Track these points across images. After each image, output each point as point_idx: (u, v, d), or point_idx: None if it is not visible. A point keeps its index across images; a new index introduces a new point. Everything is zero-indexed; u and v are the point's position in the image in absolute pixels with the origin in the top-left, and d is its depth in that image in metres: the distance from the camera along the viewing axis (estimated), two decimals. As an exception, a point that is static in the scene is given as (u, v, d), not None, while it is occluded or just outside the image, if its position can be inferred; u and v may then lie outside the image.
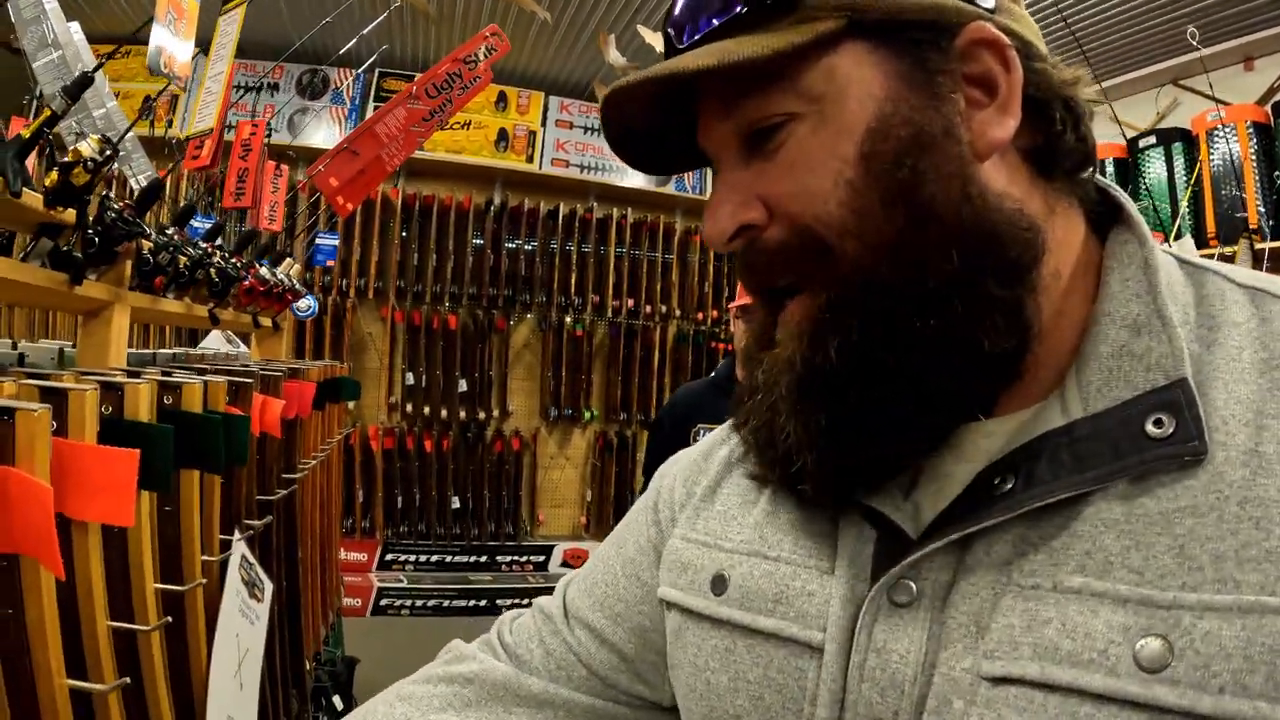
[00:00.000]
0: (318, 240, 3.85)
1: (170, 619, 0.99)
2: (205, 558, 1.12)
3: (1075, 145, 0.51)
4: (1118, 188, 0.53)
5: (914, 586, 0.45)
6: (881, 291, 0.46)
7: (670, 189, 5.77)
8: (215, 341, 2.96)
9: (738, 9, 0.48)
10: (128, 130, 1.39)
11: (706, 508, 0.62)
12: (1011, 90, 0.48)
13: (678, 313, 5.73)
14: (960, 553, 0.45)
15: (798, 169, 0.48)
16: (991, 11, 0.49)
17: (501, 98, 5.35)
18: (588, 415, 5.54)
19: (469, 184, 5.31)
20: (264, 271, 2.08)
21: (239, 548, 1.24)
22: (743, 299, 2.14)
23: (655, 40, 3.48)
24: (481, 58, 2.72)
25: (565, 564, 5.23)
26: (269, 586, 1.37)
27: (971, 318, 0.45)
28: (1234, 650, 0.36)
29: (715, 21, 0.49)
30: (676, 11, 0.53)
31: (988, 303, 0.45)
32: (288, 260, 2.60)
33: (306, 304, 3.55)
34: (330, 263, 4.28)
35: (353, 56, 4.93)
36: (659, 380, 5.63)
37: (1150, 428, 0.41)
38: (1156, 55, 3.99)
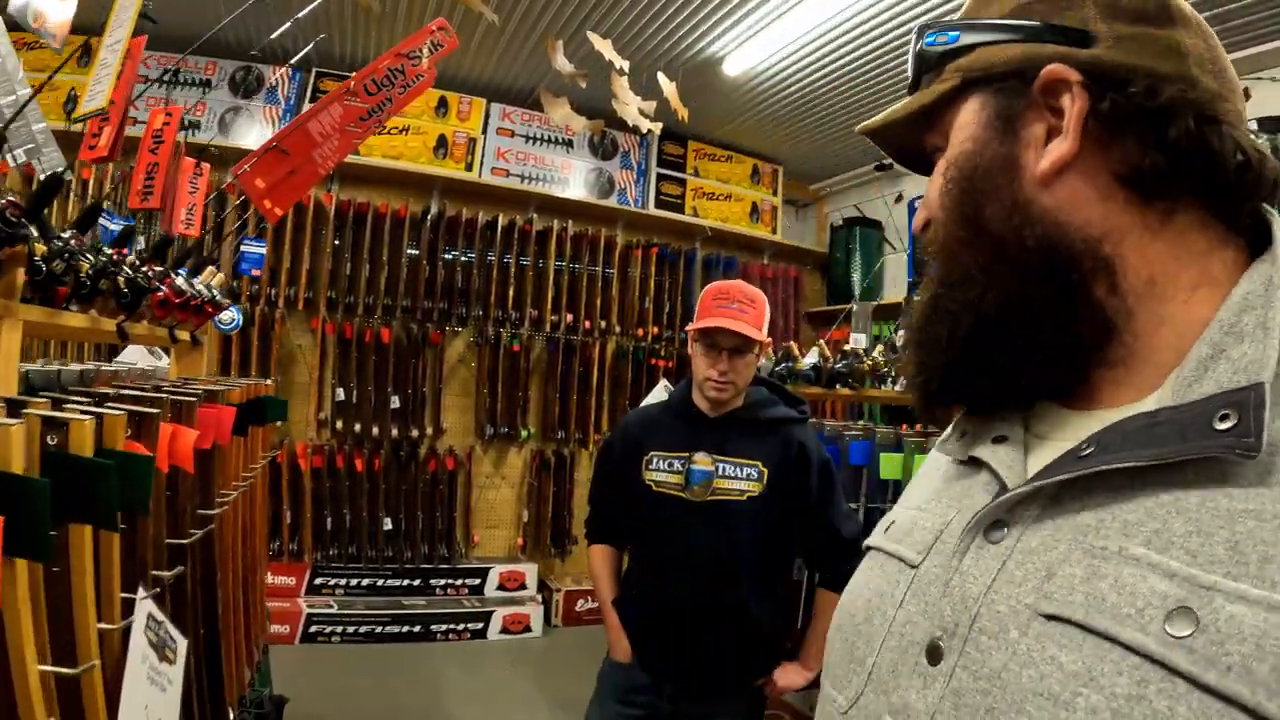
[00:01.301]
0: (243, 247, 3.66)
1: (61, 711, 0.81)
2: (103, 626, 0.93)
3: (1214, 170, 0.55)
4: (1272, 213, 0.57)
5: (1008, 530, 0.54)
6: (960, 279, 0.60)
7: (612, 201, 5.68)
8: (135, 355, 2.79)
9: (915, 75, 0.68)
10: (12, 120, 1.18)
11: (911, 484, 0.77)
12: (1070, 122, 0.56)
13: (617, 328, 5.62)
14: (1053, 508, 0.53)
15: (933, 184, 0.65)
16: (1088, 46, 0.57)
17: (442, 103, 5.18)
18: (524, 433, 5.37)
19: (405, 191, 5.09)
20: (180, 282, 1.85)
21: (144, 607, 1.05)
22: (702, 322, 2.07)
23: (604, 47, 3.46)
24: (426, 54, 2.57)
25: (501, 587, 5.02)
26: (183, 644, 1.19)
27: (1020, 306, 0.57)
28: (1249, 636, 0.40)
29: (914, 82, 0.69)
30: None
31: (1031, 297, 0.57)
32: (209, 269, 2.40)
33: (230, 317, 3.35)
34: (256, 271, 4.03)
35: (289, 51, 4.73)
36: (597, 398, 5.51)
37: (1217, 422, 0.46)
38: None
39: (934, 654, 0.54)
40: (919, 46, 0.66)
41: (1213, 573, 0.43)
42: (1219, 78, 0.58)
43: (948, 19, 0.65)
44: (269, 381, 2.86)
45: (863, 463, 2.88)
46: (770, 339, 2.25)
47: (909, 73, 0.69)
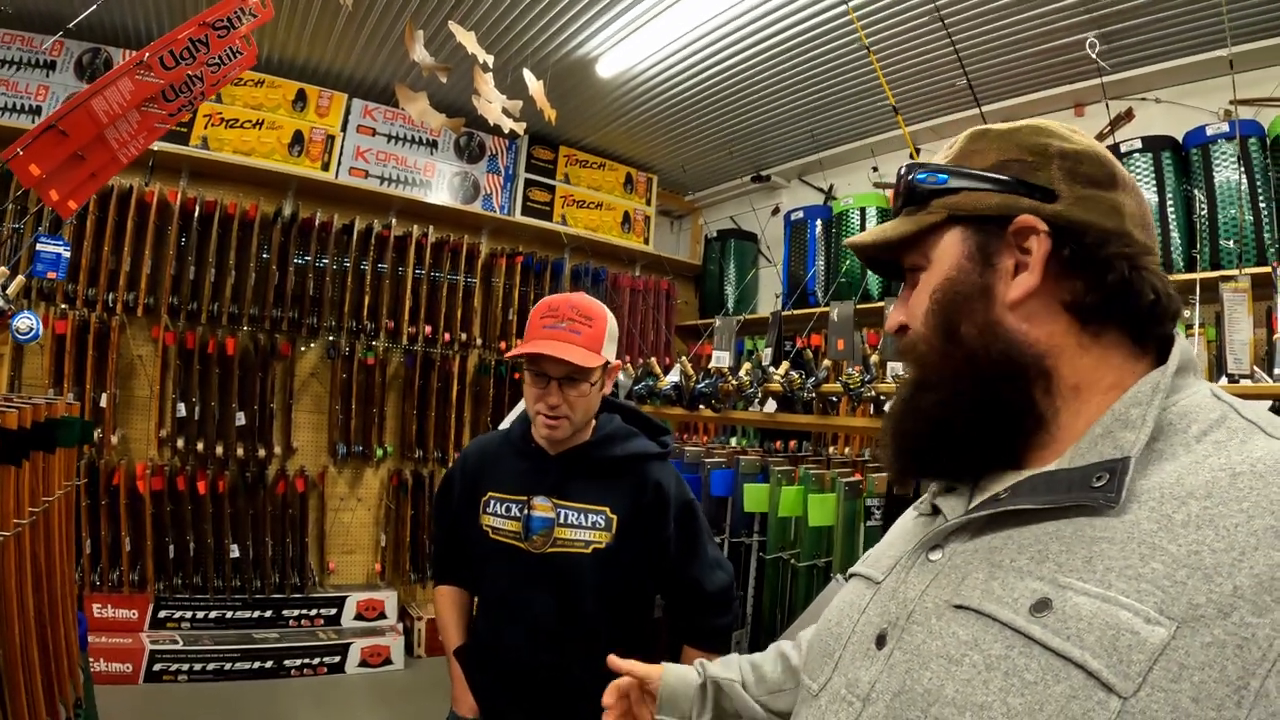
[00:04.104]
0: (39, 247, 3.73)
1: None
2: None
3: (1134, 305, 0.86)
4: (1184, 341, 0.88)
5: (942, 549, 0.87)
6: (936, 381, 0.91)
7: (477, 207, 6.27)
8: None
9: (903, 204, 0.98)
10: None
11: (890, 530, 1.12)
12: (1035, 261, 0.87)
13: (479, 341, 6.19)
14: (976, 535, 0.84)
15: (916, 298, 0.95)
16: (1052, 202, 0.88)
17: (300, 96, 5.61)
18: (380, 452, 5.84)
19: (258, 190, 5.47)
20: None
21: None
22: (525, 347, 2.03)
23: (467, 40, 3.83)
24: (237, 25, 2.58)
25: (359, 616, 5.47)
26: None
27: (985, 404, 0.87)
28: (1084, 616, 0.67)
29: (899, 207, 0.99)
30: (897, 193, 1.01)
31: (996, 397, 0.87)
32: (1, 270, 2.52)
33: (27, 325, 3.35)
34: (51, 274, 4.19)
35: (140, 35, 5.00)
36: (458, 414, 6.06)
37: (1095, 481, 0.75)
38: (990, 97, 4.99)
39: (881, 641, 0.84)
40: (910, 179, 0.96)
41: (1070, 576, 0.70)
42: (1146, 231, 0.89)
43: (934, 162, 0.97)
44: (71, 399, 2.87)
45: (725, 494, 2.91)
46: (619, 360, 2.24)
47: (894, 199, 1.01)
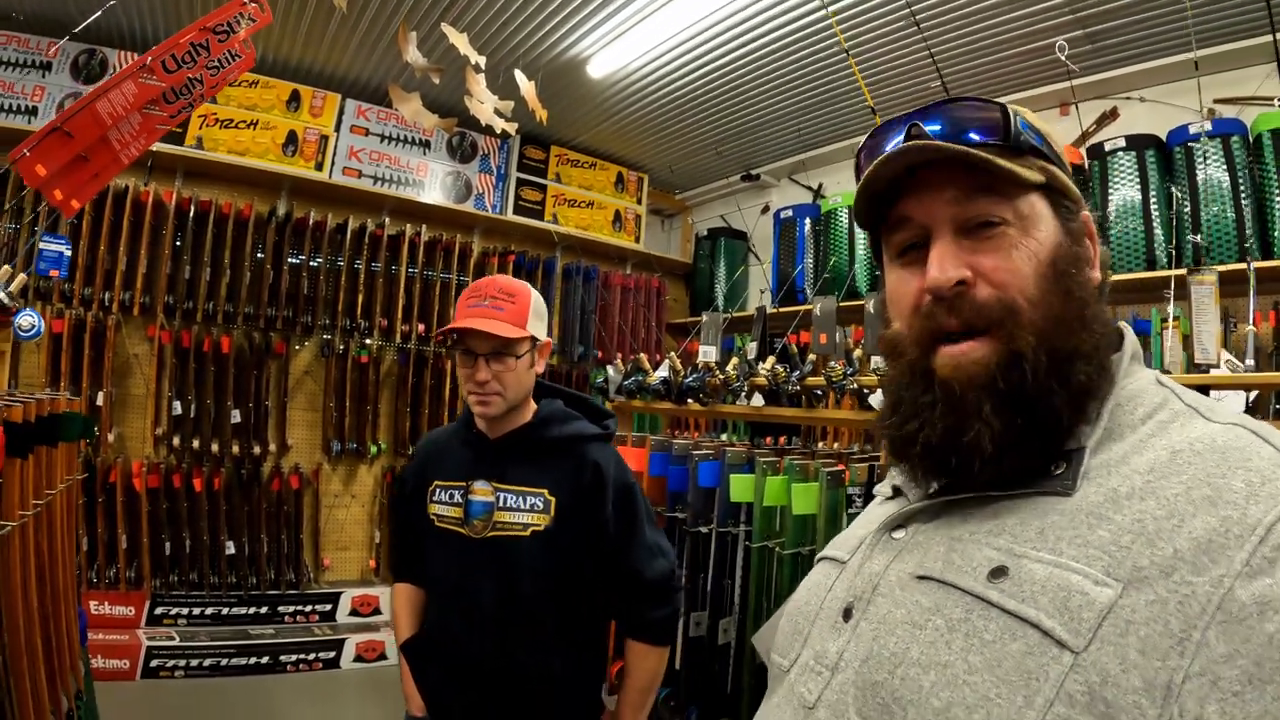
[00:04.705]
0: (42, 245, 3.74)
1: None
2: None
3: (1105, 292, 0.94)
4: (1130, 331, 0.95)
5: (904, 529, 0.91)
6: (1057, 346, 0.83)
7: (470, 206, 6.34)
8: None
9: (991, 140, 0.89)
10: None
11: (859, 515, 1.13)
12: (1097, 252, 0.94)
13: (472, 339, 6.20)
14: (937, 516, 0.88)
15: (1011, 256, 0.85)
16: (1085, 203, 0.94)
17: (294, 97, 5.68)
18: (374, 449, 5.90)
19: (252, 190, 5.52)
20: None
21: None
22: (450, 325, 2.06)
23: (460, 41, 3.91)
24: (237, 29, 2.65)
25: (354, 612, 5.54)
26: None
27: (1100, 368, 0.86)
28: (1038, 581, 0.72)
29: (972, 138, 0.89)
30: (934, 114, 0.92)
31: (1106, 363, 0.87)
32: (5, 268, 2.57)
33: (29, 322, 3.44)
34: (54, 272, 4.27)
35: (136, 37, 5.05)
36: (451, 411, 6.11)
37: (1054, 469, 0.81)
38: (989, 93, 5.03)
39: (847, 614, 0.88)
40: (1016, 122, 0.90)
41: (1025, 546, 0.76)
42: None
43: (1026, 118, 0.92)
44: (70, 395, 2.92)
45: (712, 484, 2.96)
46: (550, 339, 2.25)
47: (990, 129, 0.90)
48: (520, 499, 2.06)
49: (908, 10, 4.02)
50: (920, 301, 0.89)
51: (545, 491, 2.06)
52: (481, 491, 2.08)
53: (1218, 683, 0.61)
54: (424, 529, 2.16)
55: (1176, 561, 0.67)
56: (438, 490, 2.16)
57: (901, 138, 0.91)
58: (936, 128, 0.91)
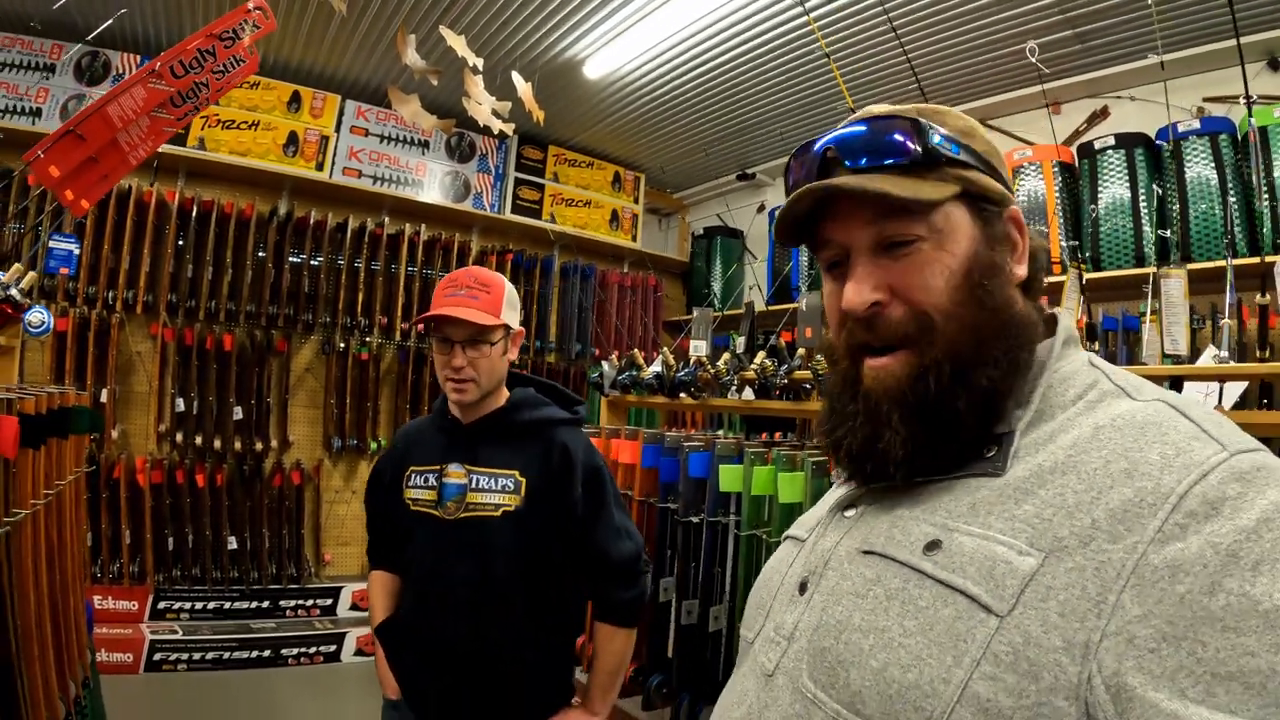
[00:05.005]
0: (51, 243, 3.89)
1: None
2: None
3: (1041, 281, 1.00)
4: (1065, 315, 0.99)
5: (854, 508, 0.98)
6: (964, 354, 0.88)
7: (468, 205, 6.41)
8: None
9: (901, 160, 0.91)
10: None
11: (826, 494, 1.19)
12: (1024, 248, 0.97)
13: (471, 336, 6.26)
14: (884, 497, 0.93)
15: (923, 273, 0.89)
16: (1012, 198, 0.97)
17: (295, 98, 5.76)
18: (374, 445, 5.98)
19: (253, 190, 5.61)
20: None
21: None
22: (427, 314, 2.11)
23: (457, 43, 3.97)
24: (244, 36, 2.72)
25: (354, 606, 5.60)
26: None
27: (1010, 369, 0.89)
28: (966, 552, 0.78)
29: (884, 161, 0.92)
30: (848, 139, 0.95)
31: (1018, 362, 0.90)
32: (16, 266, 2.62)
33: (39, 319, 3.50)
34: (64, 270, 4.36)
35: (139, 39, 5.11)
36: (451, 408, 6.12)
37: (986, 452, 0.87)
38: (971, 94, 5.19)
39: (803, 588, 0.94)
40: (930, 141, 0.91)
41: (956, 521, 0.82)
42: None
43: (943, 130, 0.94)
44: (77, 390, 2.95)
45: (702, 475, 3.02)
46: (522, 328, 2.30)
47: (901, 149, 0.91)
48: (492, 480, 2.11)
49: (884, 15, 4.09)
50: (845, 317, 0.94)
51: (516, 473, 2.12)
52: (455, 474, 2.13)
53: (1133, 640, 0.66)
54: (400, 515, 2.21)
55: (1094, 531, 0.72)
56: (413, 475, 2.21)
57: (818, 161, 0.96)
58: (851, 150, 0.94)
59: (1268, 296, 2.51)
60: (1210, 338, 3.04)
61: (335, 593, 5.61)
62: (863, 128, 0.94)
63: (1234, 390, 2.95)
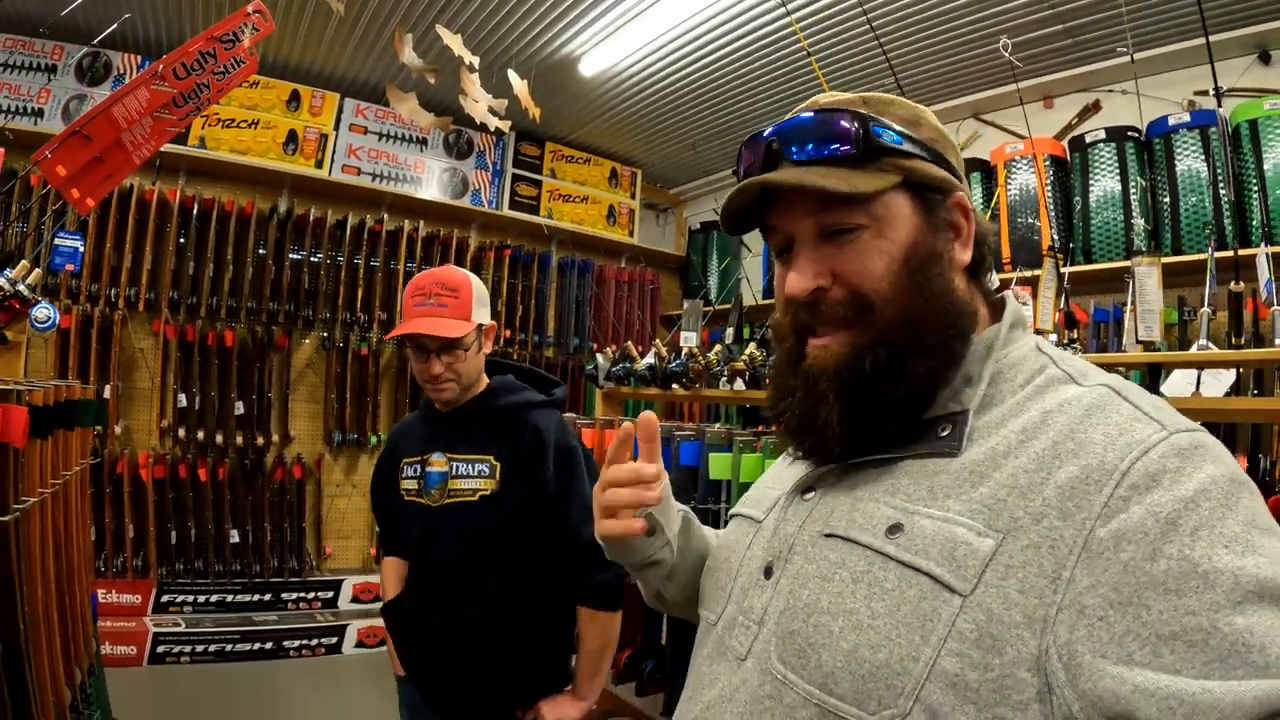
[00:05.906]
0: (57, 241, 3.95)
1: None
2: None
3: (988, 264, 1.03)
4: (1013, 299, 1.01)
5: (814, 490, 1.00)
6: (900, 338, 0.91)
7: (466, 202, 6.46)
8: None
9: (841, 151, 0.93)
10: None
11: (766, 472, 1.24)
12: (970, 233, 0.99)
13: (470, 332, 6.31)
14: (842, 478, 0.96)
15: (863, 259, 0.93)
16: (959, 184, 0.99)
17: (294, 97, 5.81)
18: (374, 439, 6.04)
19: (254, 188, 5.68)
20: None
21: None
22: (399, 330, 2.17)
23: (453, 42, 3.99)
24: (244, 37, 2.77)
25: (355, 599, 5.67)
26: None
27: (945, 358, 0.92)
28: (927, 534, 0.81)
29: (824, 152, 0.94)
30: (790, 131, 0.97)
31: (953, 352, 0.93)
32: (23, 263, 2.66)
33: (45, 314, 3.53)
34: (70, 266, 4.39)
35: (139, 40, 5.16)
36: (450, 404, 6.17)
37: (940, 431, 0.90)
38: (960, 89, 5.26)
39: (768, 572, 0.97)
40: (869, 132, 0.93)
41: (916, 504, 0.84)
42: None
43: (885, 120, 0.95)
44: (83, 384, 3.03)
45: (693, 463, 3.06)
46: (494, 322, 2.35)
47: (841, 141, 0.94)
48: (470, 466, 2.18)
49: (863, 15, 4.18)
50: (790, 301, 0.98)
51: (491, 458, 2.18)
52: (437, 463, 2.22)
53: (1084, 610, 0.70)
54: (397, 505, 2.30)
55: (1045, 509, 0.76)
56: (405, 467, 2.30)
57: (764, 151, 0.99)
58: (794, 141, 0.97)
59: (1240, 284, 2.56)
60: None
61: (336, 585, 5.67)
62: (808, 117, 0.97)
63: (1226, 378, 3.00)
